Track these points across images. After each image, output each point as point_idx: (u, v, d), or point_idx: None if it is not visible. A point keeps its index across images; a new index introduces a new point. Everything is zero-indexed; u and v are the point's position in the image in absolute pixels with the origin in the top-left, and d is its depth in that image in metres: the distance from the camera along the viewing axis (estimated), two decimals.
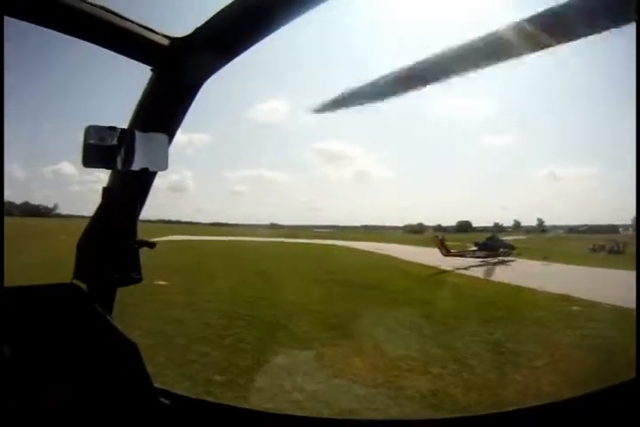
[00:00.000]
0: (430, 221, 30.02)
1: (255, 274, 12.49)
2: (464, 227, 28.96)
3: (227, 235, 24.11)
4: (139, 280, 1.49)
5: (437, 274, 13.01)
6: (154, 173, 1.40)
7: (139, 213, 1.49)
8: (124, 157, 1.21)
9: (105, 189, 1.38)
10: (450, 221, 29.35)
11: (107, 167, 1.20)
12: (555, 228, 27.49)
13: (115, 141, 1.19)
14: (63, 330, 1.34)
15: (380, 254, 18.05)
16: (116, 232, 1.42)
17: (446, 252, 15.14)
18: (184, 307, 8.71)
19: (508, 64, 1.00)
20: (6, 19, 1.00)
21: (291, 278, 11.97)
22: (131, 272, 1.48)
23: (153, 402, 1.45)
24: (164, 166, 1.28)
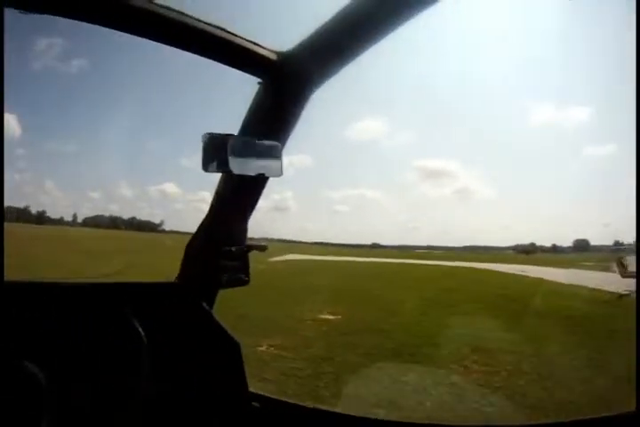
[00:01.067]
0: (534, 239, 26.77)
1: (429, 302, 9.62)
2: (583, 246, 25.06)
3: (338, 254, 23.59)
4: (246, 282, 1.56)
5: (616, 298, 10.50)
6: (265, 180, 1.47)
7: (248, 218, 1.57)
8: (240, 163, 1.29)
9: (216, 193, 1.49)
10: (556, 239, 25.86)
11: (224, 171, 1.29)
12: None
13: (231, 148, 1.28)
14: (170, 326, 1.46)
15: (529, 277, 15.40)
16: (225, 235, 1.53)
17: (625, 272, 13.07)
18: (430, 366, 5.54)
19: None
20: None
21: (483, 308, 9.08)
22: (239, 274, 1.55)
23: (245, 403, 1.47)
24: (279, 173, 1.34)
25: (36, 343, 1.28)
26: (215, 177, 1.47)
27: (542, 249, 25.90)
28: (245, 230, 1.56)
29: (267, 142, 1.32)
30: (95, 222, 21.41)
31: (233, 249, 1.52)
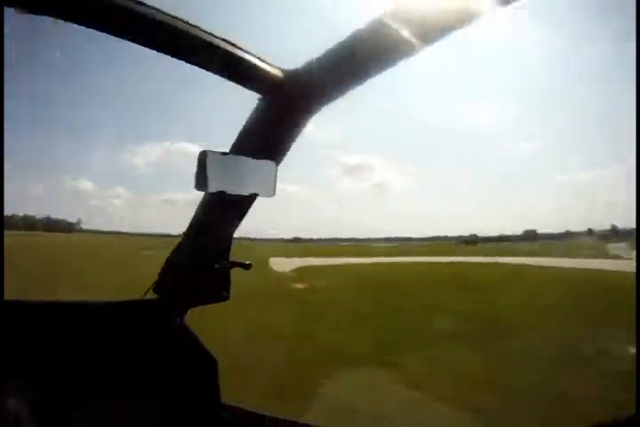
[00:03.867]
0: (451, 231, 29.73)
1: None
2: (532, 236, 28.17)
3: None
4: (226, 299, 1.53)
5: None
6: (254, 198, 1.43)
7: (232, 235, 1.53)
8: (234, 182, 1.26)
9: (202, 207, 1.44)
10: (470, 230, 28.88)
11: (218, 190, 1.24)
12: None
13: (227, 166, 1.24)
14: (150, 342, 1.42)
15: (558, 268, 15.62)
16: (208, 251, 1.48)
17: None
18: None
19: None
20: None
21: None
22: (219, 291, 1.52)
23: (218, 417, 1.48)
24: (271, 193, 1.32)
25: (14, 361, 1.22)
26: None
27: (486, 239, 27.92)
28: (229, 247, 1.52)
29: (261, 161, 1.30)
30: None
31: (216, 266, 1.48)
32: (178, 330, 1.46)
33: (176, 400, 1.42)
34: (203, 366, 1.48)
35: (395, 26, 1.04)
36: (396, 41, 1.09)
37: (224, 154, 1.24)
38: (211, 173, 1.22)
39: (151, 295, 1.52)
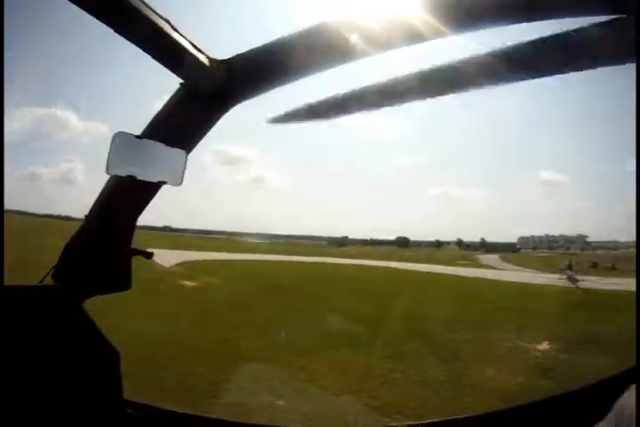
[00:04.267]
0: (321, 232, 32.37)
1: None
2: (404, 242, 31.83)
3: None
4: (127, 288, 1.48)
5: None
6: (160, 185, 1.40)
7: (136, 221, 1.48)
8: (144, 168, 1.22)
9: (105, 191, 1.37)
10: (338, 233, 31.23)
11: (128, 175, 1.21)
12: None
13: (139, 151, 1.21)
14: (48, 332, 1.30)
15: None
16: (110, 237, 1.41)
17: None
18: None
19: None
20: None
21: None
22: (121, 280, 1.46)
23: (120, 412, 1.44)
24: (179, 182, 1.30)
25: None
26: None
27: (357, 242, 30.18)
28: (132, 234, 1.46)
29: (173, 148, 1.27)
30: None
31: (117, 252, 1.42)
32: (76, 319, 1.36)
33: (73, 395, 1.33)
34: (103, 358, 1.40)
35: (332, 33, 1.07)
36: (330, 46, 1.12)
37: (138, 137, 1.20)
38: (123, 156, 1.18)
39: (49, 282, 1.38)
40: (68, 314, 1.35)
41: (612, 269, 18.69)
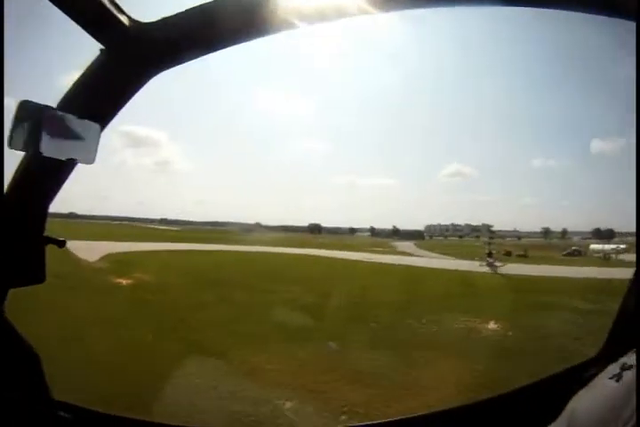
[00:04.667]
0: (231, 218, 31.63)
1: None
2: (316, 229, 33.01)
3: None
4: (40, 281, 1.31)
5: None
6: (74, 165, 1.25)
7: (49, 205, 1.32)
8: (52, 143, 1.07)
9: (17, 172, 1.20)
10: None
11: (32, 151, 1.05)
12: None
13: (46, 123, 1.05)
14: None
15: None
16: (19, 224, 1.24)
17: None
18: None
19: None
20: None
21: None
22: (33, 272, 1.29)
23: (51, 415, 1.32)
24: (92, 160, 1.17)
25: None
26: None
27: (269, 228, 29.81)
28: (44, 220, 1.30)
29: (86, 122, 1.14)
30: None
31: (27, 241, 1.25)
32: None
33: None
34: (22, 361, 1.26)
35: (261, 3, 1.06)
36: (257, 17, 1.10)
37: (47, 108, 1.06)
38: (28, 129, 1.02)
39: None
40: None
41: (524, 257, 20.83)
